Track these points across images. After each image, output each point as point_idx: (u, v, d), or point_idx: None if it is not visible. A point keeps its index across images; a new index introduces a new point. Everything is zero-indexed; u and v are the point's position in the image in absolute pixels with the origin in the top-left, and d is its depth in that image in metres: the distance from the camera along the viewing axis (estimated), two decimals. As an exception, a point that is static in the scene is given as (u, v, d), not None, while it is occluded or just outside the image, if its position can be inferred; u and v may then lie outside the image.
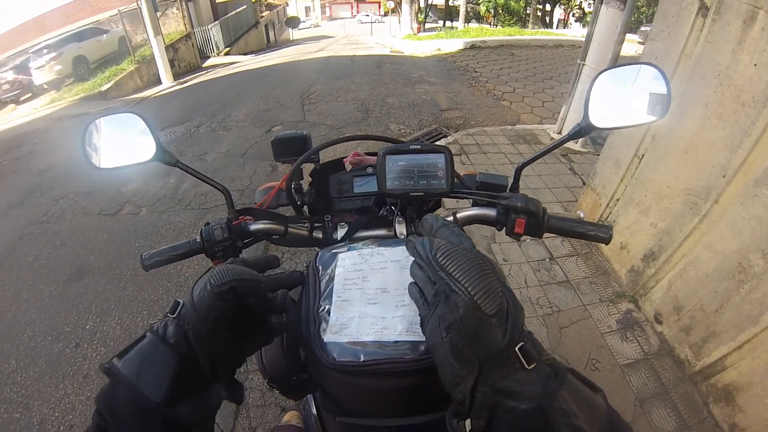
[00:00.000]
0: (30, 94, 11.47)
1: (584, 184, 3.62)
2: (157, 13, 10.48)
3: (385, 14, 30.81)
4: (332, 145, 0.94)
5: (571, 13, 30.42)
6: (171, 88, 9.93)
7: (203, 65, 13.49)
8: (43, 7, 13.45)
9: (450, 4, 28.66)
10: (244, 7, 19.47)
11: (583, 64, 4.43)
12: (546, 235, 0.78)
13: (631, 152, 2.58)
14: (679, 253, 2.22)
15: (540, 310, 2.53)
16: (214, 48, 15.60)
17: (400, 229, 0.82)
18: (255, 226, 0.83)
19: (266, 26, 23.75)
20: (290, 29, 26.37)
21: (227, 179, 4.32)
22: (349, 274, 0.62)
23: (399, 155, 0.77)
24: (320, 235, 0.85)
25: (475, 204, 0.85)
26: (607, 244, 0.78)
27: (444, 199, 0.93)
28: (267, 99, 7.20)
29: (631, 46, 9.74)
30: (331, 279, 0.62)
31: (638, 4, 12.05)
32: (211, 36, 15.53)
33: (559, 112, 4.99)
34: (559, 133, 4.92)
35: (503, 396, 0.39)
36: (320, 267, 0.65)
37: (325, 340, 0.55)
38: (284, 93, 7.47)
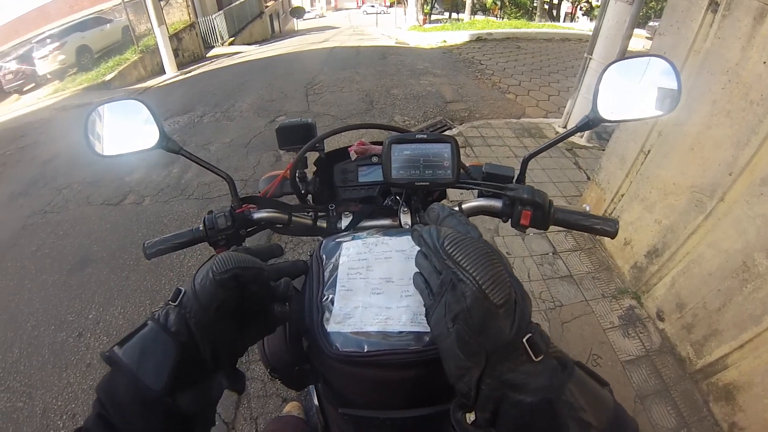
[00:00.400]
0: (33, 84, 11.49)
1: (589, 179, 3.60)
2: (161, 2, 10.45)
3: (391, 5, 30.65)
4: (337, 133, 0.92)
5: (578, 7, 30.10)
6: (175, 78, 9.90)
7: (207, 55, 13.44)
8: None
9: (456, -4, 28.42)
10: (249, -4, 19.36)
11: (590, 58, 4.40)
12: (550, 228, 0.77)
13: (636, 148, 2.56)
14: (683, 251, 2.21)
15: (542, 304, 2.53)
16: (219, 38, 15.52)
17: (405, 219, 0.81)
18: (258, 215, 0.82)
19: (271, 16, 23.61)
20: (295, 19, 26.20)
21: (230, 169, 4.25)
22: (354, 264, 0.61)
23: (405, 144, 0.77)
24: (324, 224, 0.84)
25: (480, 195, 0.85)
26: (613, 237, 0.77)
27: (449, 190, 0.92)
28: (271, 89, 7.17)
29: (639, 41, 9.64)
30: (335, 268, 0.62)
31: (647, -2, 11.93)
32: (216, 26, 15.43)
33: (565, 106, 4.96)
34: (565, 127, 4.89)
35: (509, 388, 0.38)
36: (324, 256, 0.65)
37: (328, 330, 0.54)
38: (288, 83, 7.44)
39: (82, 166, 4.55)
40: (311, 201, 1.01)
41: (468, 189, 0.86)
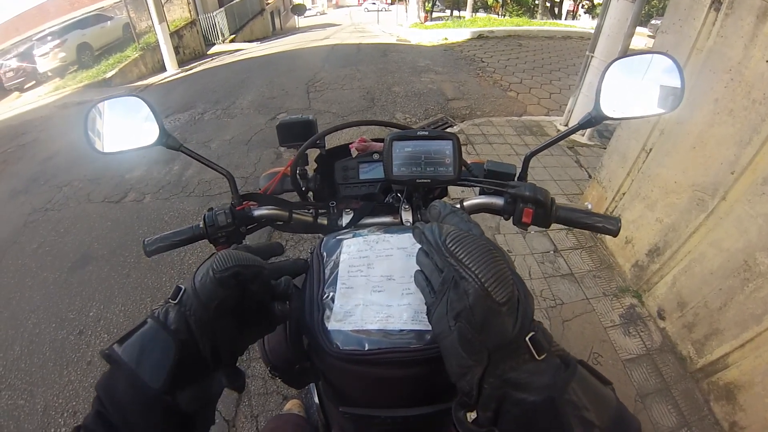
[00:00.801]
0: (34, 82, 11.48)
1: (590, 177, 3.59)
2: (162, -1, 10.42)
3: (392, 2, 30.55)
4: (338, 130, 0.92)
5: (580, 5, 30.02)
6: (176, 75, 9.91)
7: (208, 52, 13.40)
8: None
9: (458, -7, 28.36)
10: (250, -7, 19.32)
11: (592, 56, 4.39)
12: (551, 226, 0.77)
13: (638, 146, 2.56)
14: (685, 250, 2.21)
15: (543, 302, 2.53)
16: (219, 35, 15.49)
17: (406, 216, 0.80)
18: (259, 212, 0.82)
19: (272, 13, 23.55)
20: (296, 17, 26.13)
21: (231, 166, 4.23)
22: (354, 261, 0.61)
23: (406, 141, 0.76)
24: (325, 222, 0.84)
25: (482, 192, 0.84)
26: (615, 236, 0.76)
27: (450, 187, 0.91)
28: (272, 86, 7.17)
29: (641, 39, 9.63)
30: (336, 266, 0.61)
31: (649, -5, 11.89)
32: (216, 23, 15.40)
33: (566, 104, 4.95)
34: (566, 125, 4.89)
35: (512, 387, 0.38)
36: (325, 253, 0.64)
37: (329, 328, 0.54)
38: (289, 81, 7.44)
39: (83, 164, 4.56)
40: (312, 198, 1.00)
41: (469, 186, 0.85)
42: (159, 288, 2.75)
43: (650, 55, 0.74)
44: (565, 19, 25.99)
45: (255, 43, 15.29)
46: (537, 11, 24.76)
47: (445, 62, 8.54)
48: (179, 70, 10.29)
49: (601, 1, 4.50)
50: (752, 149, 1.82)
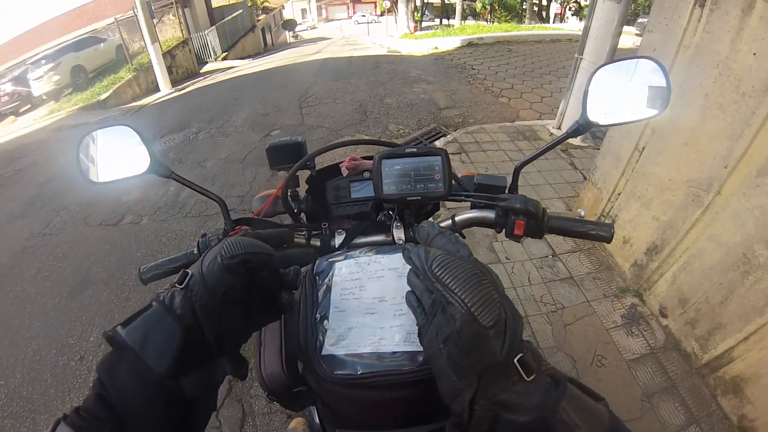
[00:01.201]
0: (29, 106, 11.53)
1: (585, 179, 3.60)
2: (154, 20, 10.52)
3: (382, 14, 30.79)
4: (327, 151, 0.92)
5: (567, 7, 30.29)
6: (169, 95, 9.97)
7: (201, 71, 13.52)
8: (40, 17, 13.56)
9: (446, 1, 28.61)
10: (240, 11, 19.49)
11: (581, 59, 4.42)
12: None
13: (631, 146, 2.57)
14: (683, 246, 2.21)
15: (544, 307, 2.52)
16: (212, 53, 15.63)
17: (399, 234, 0.80)
18: None
19: (263, 30, 23.75)
20: (287, 32, 26.37)
21: (227, 185, 4.33)
22: (346, 284, 0.61)
23: (395, 159, 0.76)
24: (318, 243, 0.84)
25: (473, 206, 0.84)
26: (608, 242, 0.77)
27: (442, 201, 0.92)
28: (265, 103, 7.20)
29: (629, 38, 9.72)
30: (329, 289, 0.61)
31: (634, -5, 12.02)
32: (208, 41, 15.55)
33: (558, 107, 4.98)
34: (559, 128, 4.91)
35: (503, 408, 0.38)
36: (317, 276, 0.64)
37: (322, 353, 0.54)
38: (282, 96, 7.48)
39: (79, 187, 4.52)
40: (305, 219, 1.00)
41: (460, 201, 0.85)
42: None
43: (635, 59, 0.75)
44: (553, 23, 26.21)
45: (247, 59, 15.43)
46: (525, 16, 24.95)
47: (436, 71, 8.60)
48: (173, 90, 10.36)
49: (587, 3, 4.54)
50: (744, 142, 1.82)
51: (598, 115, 0.73)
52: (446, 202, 1.10)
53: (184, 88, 10.44)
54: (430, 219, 0.98)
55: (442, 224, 0.82)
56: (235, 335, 0.50)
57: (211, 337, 0.45)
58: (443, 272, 0.41)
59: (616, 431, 0.39)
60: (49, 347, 2.57)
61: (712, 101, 1.98)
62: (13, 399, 2.27)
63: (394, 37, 16.41)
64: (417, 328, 0.46)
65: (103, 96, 9.83)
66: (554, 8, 29.96)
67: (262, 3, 28.08)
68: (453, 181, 0.78)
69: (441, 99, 6.59)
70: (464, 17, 22.04)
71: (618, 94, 0.75)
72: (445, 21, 25.49)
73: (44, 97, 11.38)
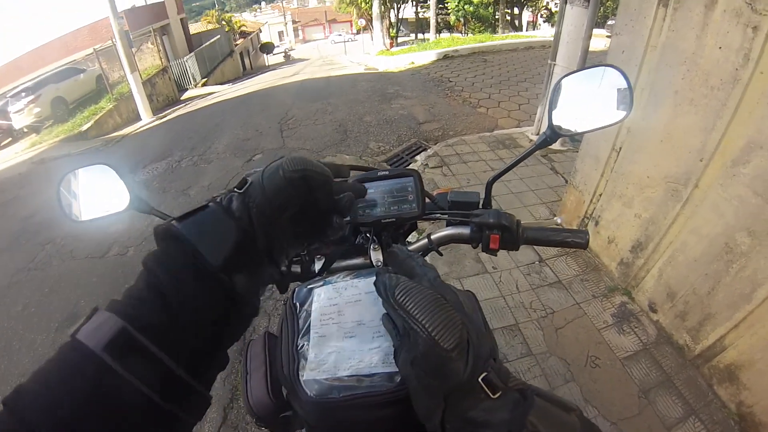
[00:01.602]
0: (10, 139, 11.35)
1: (567, 182, 3.65)
2: (133, 49, 10.54)
3: (358, 32, 31.27)
4: None
5: (539, 15, 31.05)
6: (151, 124, 9.92)
7: (181, 98, 13.51)
8: (18, 50, 13.43)
9: (420, 16, 29.12)
10: (218, 37, 19.63)
11: (554, 64, 4.50)
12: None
13: (608, 147, 2.61)
14: (666, 241, 2.25)
15: (534, 313, 2.53)
16: (191, 80, 15.64)
17: (376, 256, 0.81)
18: None
19: (241, 54, 23.91)
20: (265, 55, 26.52)
21: None
22: (325, 309, 0.62)
23: (368, 183, 0.77)
24: (298, 270, 0.85)
25: (449, 224, 0.86)
26: (584, 248, 0.78)
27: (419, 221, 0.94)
28: (246, 128, 7.20)
29: (600, 40, 9.93)
30: (309, 315, 0.62)
31: None
32: (188, 68, 15.57)
33: (536, 114, 5.06)
34: (538, 134, 4.98)
35: (472, 426, 0.39)
36: (297, 304, 0.65)
37: (304, 378, 0.55)
38: (262, 120, 7.48)
39: (64, 220, 4.48)
40: None
41: (435, 220, 0.87)
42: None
43: (596, 68, 0.78)
44: (526, 30, 26.81)
45: (227, 84, 15.45)
46: (498, 26, 25.46)
47: (414, 86, 8.67)
48: (154, 118, 10.32)
49: (558, 9, 4.66)
50: (717, 134, 1.87)
51: (566, 123, 0.76)
52: (421, 225, 1.11)
53: (165, 116, 10.40)
54: (409, 238, 0.99)
55: (418, 243, 0.84)
56: (283, 248, 0.50)
57: (263, 244, 0.46)
58: (405, 299, 0.43)
59: None
60: (38, 386, 2.50)
61: (683, 97, 2.03)
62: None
63: (371, 54, 16.62)
64: (393, 348, 0.47)
65: (85, 127, 9.73)
66: (526, 16, 30.69)
67: (240, 27, 28.32)
68: (428, 200, 0.80)
69: (420, 113, 6.65)
70: (439, 31, 22.43)
71: (583, 101, 0.77)
72: (420, 35, 25.93)
73: (25, 130, 11.22)
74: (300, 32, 51.84)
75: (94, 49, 11.41)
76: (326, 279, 0.68)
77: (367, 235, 0.85)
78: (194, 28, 21.86)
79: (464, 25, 27.72)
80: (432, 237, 0.83)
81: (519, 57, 10.50)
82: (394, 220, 0.77)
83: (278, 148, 6.01)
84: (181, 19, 18.08)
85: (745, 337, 1.85)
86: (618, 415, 1.96)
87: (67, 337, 0.36)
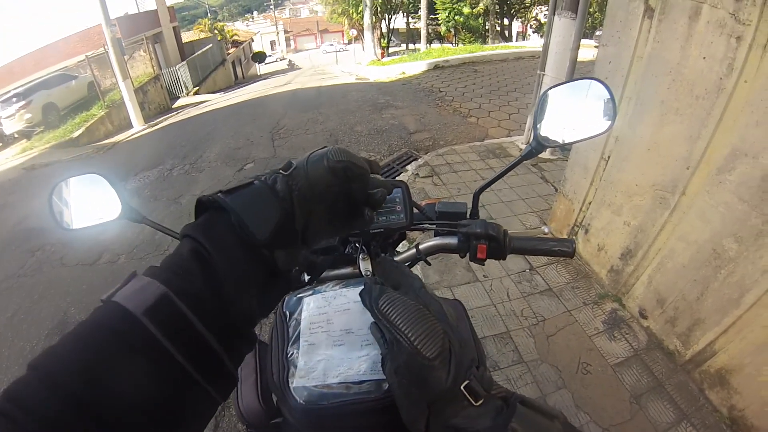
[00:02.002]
0: (1, 144, 11.22)
1: (557, 191, 3.68)
2: (125, 56, 10.48)
3: (349, 42, 31.47)
4: None
5: (528, 25, 31.44)
6: (142, 131, 9.87)
7: (173, 106, 13.47)
8: (9, 55, 13.34)
9: (411, 27, 29.38)
10: (210, 45, 19.66)
11: (543, 75, 4.56)
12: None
13: (597, 156, 2.64)
14: (655, 248, 2.27)
15: (525, 321, 2.54)
16: (183, 88, 15.62)
17: (365, 265, 0.81)
18: None
19: (233, 63, 23.92)
20: (257, 64, 26.58)
21: None
22: (315, 318, 0.63)
23: None
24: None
25: (436, 234, 0.87)
26: (571, 257, 0.79)
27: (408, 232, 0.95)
28: (237, 137, 7.19)
29: (588, 50, 10.06)
30: (298, 323, 0.64)
31: (590, 10, 12.52)
32: (180, 76, 15.56)
33: (525, 123, 5.10)
34: (527, 143, 5.01)
35: None
36: (287, 312, 0.67)
37: (294, 385, 0.56)
38: (254, 129, 7.48)
39: (54, 227, 4.44)
40: None
41: (423, 230, 0.88)
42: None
43: (581, 81, 0.80)
44: (516, 41, 27.13)
45: (219, 93, 15.43)
46: (488, 36, 25.73)
47: (405, 96, 8.70)
48: (146, 126, 10.27)
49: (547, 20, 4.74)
50: (703, 143, 1.90)
51: (551, 134, 0.77)
52: (410, 235, 1.12)
53: (157, 124, 10.36)
54: (399, 248, 1.00)
55: (407, 253, 0.86)
56: (317, 233, 0.51)
57: (301, 226, 0.47)
58: (389, 309, 0.44)
59: None
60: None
61: (669, 106, 2.07)
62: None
63: (362, 64, 16.69)
64: (381, 357, 0.48)
65: (76, 134, 9.66)
66: (516, 27, 31.05)
67: (232, 37, 28.38)
68: (416, 210, 0.81)
69: (411, 123, 6.68)
70: (430, 41, 22.61)
71: (568, 113, 0.79)
72: (411, 46, 26.12)
73: (16, 135, 11.08)
74: (292, 42, 52.04)
75: (86, 55, 11.39)
76: (316, 288, 0.69)
77: (357, 245, 0.86)
78: (186, 36, 21.87)
79: (455, 35, 27.96)
80: (420, 247, 0.84)
81: (509, 67, 10.59)
82: (382, 230, 0.78)
83: (270, 157, 6.00)
84: (174, 28, 18.09)
85: (735, 341, 1.87)
86: (610, 421, 1.97)
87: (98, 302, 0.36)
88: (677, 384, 2.11)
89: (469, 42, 24.41)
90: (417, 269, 2.73)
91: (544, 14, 27.68)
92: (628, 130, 2.33)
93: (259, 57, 25.58)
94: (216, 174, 5.68)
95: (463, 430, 0.40)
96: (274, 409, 0.70)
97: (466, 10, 23.91)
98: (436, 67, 11.24)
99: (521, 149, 4.92)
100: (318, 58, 34.88)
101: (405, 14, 28.73)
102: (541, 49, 4.68)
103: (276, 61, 39.44)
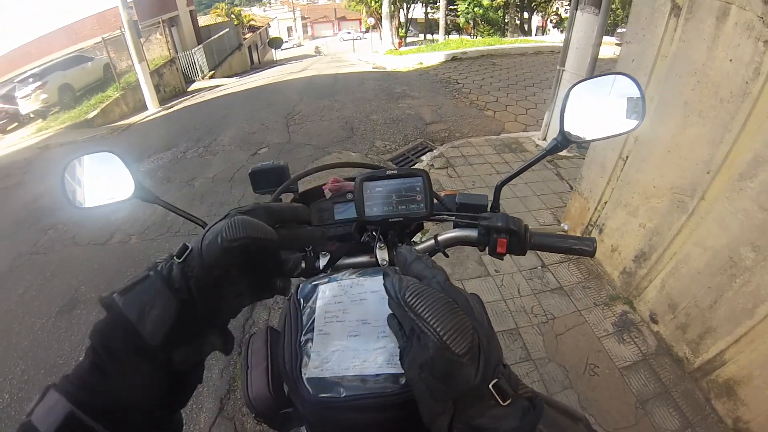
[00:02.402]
0: (17, 124, 11.39)
1: (572, 189, 3.64)
2: (141, 39, 10.53)
3: (367, 31, 31.24)
4: (308, 174, 0.93)
5: (548, 20, 30.98)
6: (157, 114, 9.95)
7: (188, 89, 13.51)
8: (27, 36, 13.46)
9: (429, 17, 29.09)
10: (227, 30, 19.62)
11: (563, 70, 4.50)
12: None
13: (615, 155, 2.60)
14: (670, 252, 2.23)
15: (535, 318, 2.52)
16: (199, 72, 15.65)
17: (382, 255, 0.81)
18: None
19: (249, 48, 23.91)
20: (273, 50, 26.54)
21: (216, 204, 4.31)
22: (330, 307, 0.61)
23: (376, 181, 0.77)
24: (303, 265, 0.84)
25: (456, 225, 0.85)
26: (591, 256, 0.77)
27: (426, 222, 0.93)
28: (252, 121, 7.20)
29: (609, 48, 9.88)
30: (313, 312, 0.62)
31: (613, 6, 12.28)
32: (195, 60, 15.58)
33: (543, 119, 5.04)
34: (544, 139, 4.97)
35: None
36: (301, 300, 0.65)
37: (306, 376, 0.54)
38: (269, 115, 7.48)
39: (67, 206, 4.50)
40: None
41: (443, 221, 0.86)
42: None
43: (611, 76, 0.76)
44: (535, 35, 26.74)
45: (234, 78, 15.45)
46: (507, 29, 25.41)
47: (422, 86, 8.65)
48: (160, 109, 10.35)
49: (568, 15, 4.64)
50: (725, 147, 1.85)
51: (576, 130, 0.74)
52: (427, 226, 1.11)
53: (171, 107, 10.43)
54: (415, 238, 0.99)
55: (425, 244, 0.83)
56: (226, 311, 0.50)
57: (203, 312, 0.45)
58: (416, 301, 0.42)
59: None
60: (37, 368, 2.53)
61: (692, 108, 2.02)
62: (2, 420, 2.23)
63: (379, 53, 16.59)
64: (399, 350, 0.47)
65: (91, 115, 9.76)
66: (536, 21, 30.62)
67: (249, 22, 28.34)
68: (435, 201, 0.79)
69: (427, 114, 6.63)
70: (448, 32, 22.41)
71: (595, 109, 0.76)
72: (429, 36, 25.89)
73: (32, 116, 11.26)
74: (309, 29, 51.83)
75: (102, 37, 11.42)
76: (331, 276, 0.67)
77: (374, 233, 0.85)
78: (203, 20, 21.91)
79: (473, 27, 27.65)
80: (439, 238, 0.83)
81: (527, 61, 10.46)
82: (401, 219, 0.77)
83: (284, 142, 6.01)
84: (191, 11, 18.09)
85: (746, 352, 1.84)
86: (615, 424, 1.95)
87: (45, 384, 0.38)
88: (684, 391, 2.08)
89: (488, 34, 24.15)
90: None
91: (565, 9, 27.28)
92: (649, 130, 2.28)
93: (276, 43, 25.56)
94: (230, 157, 5.69)
95: (487, 431, 0.38)
96: (284, 399, 0.68)
97: (486, 1, 23.61)
98: (454, 58, 11.13)
99: (538, 145, 4.90)
100: (335, 45, 34.69)
101: (424, 4, 28.45)
102: (560, 44, 4.61)
103: (292, 47, 39.38)
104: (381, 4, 19.57)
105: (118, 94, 10.64)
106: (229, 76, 16.13)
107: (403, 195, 0.77)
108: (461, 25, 28.50)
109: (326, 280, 0.66)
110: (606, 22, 3.97)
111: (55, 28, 13.68)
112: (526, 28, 28.08)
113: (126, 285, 0.44)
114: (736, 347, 1.88)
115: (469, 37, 24.09)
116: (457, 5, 25.44)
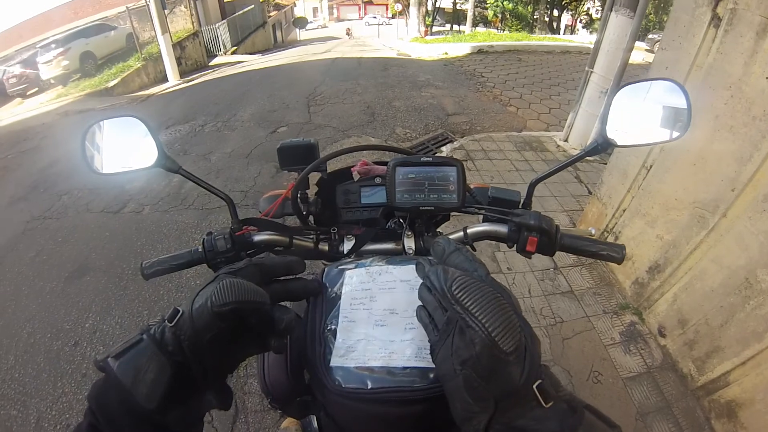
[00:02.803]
0: (37, 89, 11.56)
1: (590, 192, 3.59)
2: (165, 10, 10.55)
3: (393, 17, 30.88)
4: (341, 155, 0.91)
5: (578, 19, 30.39)
6: (177, 86, 9.98)
7: (210, 64, 13.53)
8: (51, 2, 13.56)
9: (458, 8, 28.68)
10: (252, 6, 19.52)
11: (592, 72, 4.41)
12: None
13: (638, 163, 2.55)
14: (685, 266, 2.20)
15: (543, 320, 2.51)
16: (221, 47, 15.64)
17: (409, 243, 0.79)
18: (259, 237, 0.80)
19: (273, 26, 23.81)
20: (297, 30, 26.41)
21: (231, 180, 4.32)
22: (357, 293, 0.60)
23: (409, 167, 0.75)
24: (326, 248, 0.82)
25: (486, 219, 0.83)
26: (619, 263, 0.75)
27: (453, 213, 0.91)
28: (272, 99, 7.18)
29: (638, 53, 9.68)
30: (338, 297, 0.60)
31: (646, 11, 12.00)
32: (219, 35, 15.57)
33: (566, 119, 4.97)
34: (566, 140, 4.90)
35: None
36: (327, 284, 0.63)
37: (331, 364, 0.53)
38: (290, 94, 7.46)
39: (83, 173, 4.52)
40: (313, 222, 0.99)
41: (473, 214, 0.84)
42: (156, 301, 2.73)
43: (658, 80, 0.74)
44: (564, 34, 26.26)
45: (257, 55, 15.42)
46: (536, 26, 25.02)
47: (445, 77, 8.56)
48: (181, 81, 10.39)
49: (599, 16, 4.54)
50: (753, 166, 1.81)
51: (617, 135, 0.72)
52: (454, 217, 1.09)
53: (192, 80, 10.45)
54: (439, 229, 0.97)
55: (452, 236, 0.81)
56: (221, 370, 0.50)
57: (198, 373, 0.46)
58: (463, 294, 0.40)
59: None
60: (43, 331, 2.56)
61: (723, 123, 1.97)
62: (5, 381, 2.27)
63: (404, 40, 16.39)
64: (428, 343, 0.45)
65: (111, 83, 9.83)
66: (565, 19, 30.05)
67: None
68: (466, 193, 0.77)
69: (449, 105, 6.57)
70: (475, 24, 22.08)
71: (638, 115, 0.74)
72: (455, 27, 25.56)
73: (52, 81, 11.40)
74: (335, 10, 51.44)
75: (126, 7, 11.48)
76: (358, 262, 0.66)
77: (401, 220, 0.83)
78: (229, -5, 21.79)
79: (501, 21, 27.24)
80: (468, 231, 0.81)
81: (554, 60, 10.30)
82: (432, 208, 0.75)
83: (304, 122, 6.00)
84: (217, -15, 18.03)
85: (751, 375, 1.81)
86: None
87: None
88: (685, 409, 2.06)
89: (516, 29, 23.75)
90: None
91: (596, 9, 26.73)
92: (676, 141, 2.22)
93: (301, 22, 25.44)
94: (248, 134, 5.69)
95: None
96: (303, 386, 0.67)
97: (516, -4, 23.21)
98: (480, 51, 10.99)
99: (558, 146, 4.82)
100: (360, 29, 34.41)
101: (452, -6, 28.07)
102: (589, 45, 4.52)
103: (317, 28, 39.15)
104: (410, -10, 19.36)
105: (139, 65, 10.69)
106: (251, 53, 16.10)
107: (435, 183, 0.75)
108: (489, 18, 28.10)
109: (353, 265, 0.65)
110: (640, 25, 3.86)
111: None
112: (554, 26, 27.59)
113: (120, 349, 0.44)
114: (742, 369, 1.85)
115: (496, 30, 23.70)
116: (486, -3, 25.07)
